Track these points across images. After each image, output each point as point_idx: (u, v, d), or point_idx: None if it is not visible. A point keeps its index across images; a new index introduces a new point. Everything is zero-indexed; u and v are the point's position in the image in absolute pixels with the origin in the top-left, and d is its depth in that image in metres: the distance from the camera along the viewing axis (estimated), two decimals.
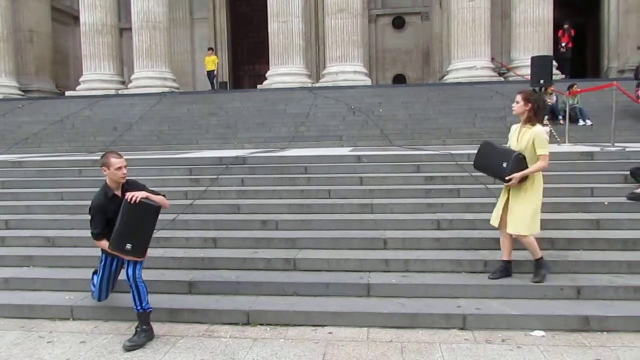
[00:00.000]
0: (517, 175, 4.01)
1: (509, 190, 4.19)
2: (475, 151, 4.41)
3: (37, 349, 3.71)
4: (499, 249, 4.68)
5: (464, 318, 3.81)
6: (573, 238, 4.80)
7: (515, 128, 4.25)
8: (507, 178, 4.04)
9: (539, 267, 4.20)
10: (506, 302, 3.98)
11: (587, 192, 5.76)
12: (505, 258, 4.30)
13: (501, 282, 4.20)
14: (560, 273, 4.32)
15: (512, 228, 4.12)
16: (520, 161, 4.03)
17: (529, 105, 4.07)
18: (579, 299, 4.02)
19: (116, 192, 3.92)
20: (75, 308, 4.27)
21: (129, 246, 3.75)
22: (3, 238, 5.58)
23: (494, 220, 4.30)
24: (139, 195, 3.76)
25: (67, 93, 16.64)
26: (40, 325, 4.14)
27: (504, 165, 4.04)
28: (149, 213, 3.81)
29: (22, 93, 17.21)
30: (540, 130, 4.10)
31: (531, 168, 4.04)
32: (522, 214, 4.09)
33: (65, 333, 3.97)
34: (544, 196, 5.73)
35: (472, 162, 4.40)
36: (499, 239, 4.81)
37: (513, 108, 4.20)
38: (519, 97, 4.14)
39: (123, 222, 3.75)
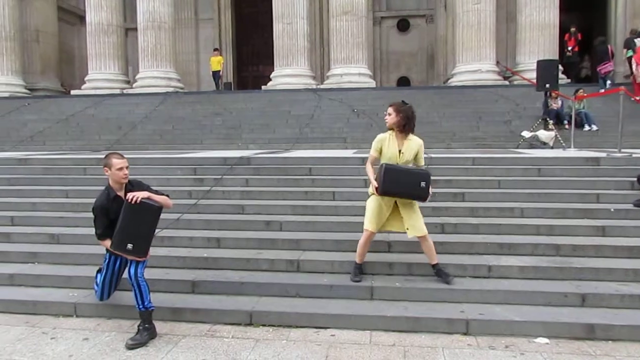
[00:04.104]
0: (431, 190, 4.16)
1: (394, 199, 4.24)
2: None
3: (40, 344, 3.72)
4: (505, 254, 4.70)
5: (467, 323, 3.79)
6: (578, 244, 4.75)
7: (386, 138, 4.25)
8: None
9: (443, 273, 4.31)
10: (509, 308, 3.96)
11: (593, 198, 5.73)
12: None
13: (505, 287, 4.19)
14: (565, 280, 4.31)
15: (418, 230, 4.23)
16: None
17: (400, 115, 4.15)
18: (583, 306, 3.99)
19: (119, 193, 3.92)
20: (79, 305, 4.28)
21: (130, 246, 3.75)
22: (8, 234, 5.60)
23: (376, 226, 4.30)
24: (139, 195, 3.77)
25: (73, 92, 16.72)
26: (44, 321, 4.15)
27: (422, 184, 4.10)
28: (149, 213, 3.82)
29: (28, 91, 17.31)
30: (422, 142, 4.28)
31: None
32: (419, 217, 4.28)
33: (68, 330, 3.98)
34: (549, 201, 5.78)
35: (380, 190, 4.18)
36: (504, 244, 4.83)
37: (386, 119, 4.25)
38: (390, 109, 4.22)
39: (124, 223, 3.76)
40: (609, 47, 13.18)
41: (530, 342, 3.62)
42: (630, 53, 12.53)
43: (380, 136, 4.29)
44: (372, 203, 4.32)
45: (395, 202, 4.26)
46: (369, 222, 4.31)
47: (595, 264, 4.46)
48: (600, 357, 3.39)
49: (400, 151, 4.20)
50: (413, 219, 4.24)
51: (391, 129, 4.24)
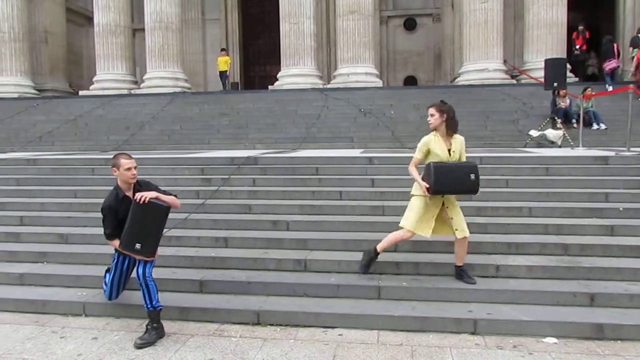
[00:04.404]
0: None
1: (442, 200, 4.22)
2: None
3: (50, 344, 3.75)
4: (513, 253, 4.68)
5: (475, 323, 3.78)
6: (587, 244, 4.73)
7: (432, 140, 4.20)
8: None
9: (466, 275, 4.30)
10: (517, 308, 3.95)
11: (602, 198, 5.69)
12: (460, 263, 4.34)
13: (513, 287, 4.17)
14: (574, 279, 4.28)
15: (465, 231, 4.21)
16: None
17: (444, 115, 4.14)
18: (592, 306, 3.97)
19: (127, 193, 3.95)
20: (88, 304, 4.31)
21: (138, 246, 3.78)
22: (18, 234, 5.65)
23: (421, 228, 4.21)
24: (147, 195, 3.79)
25: (81, 92, 16.81)
26: (53, 320, 4.19)
27: (472, 177, 4.07)
28: (157, 213, 3.84)
29: (36, 92, 17.40)
30: (463, 138, 4.30)
31: None
32: (463, 217, 4.26)
33: (77, 329, 4.01)
34: (557, 200, 5.75)
35: (432, 189, 4.05)
36: (512, 243, 4.80)
37: (429, 122, 4.21)
38: (432, 110, 4.18)
39: (132, 223, 3.79)
40: (614, 45, 13.28)
41: (538, 341, 3.61)
42: (635, 52, 12.54)
43: (425, 139, 4.22)
44: (419, 204, 4.22)
45: (443, 202, 4.23)
46: (411, 223, 4.19)
47: (604, 264, 4.43)
48: (609, 357, 3.38)
49: (450, 150, 4.18)
50: (460, 219, 4.23)
51: (435, 129, 4.20)
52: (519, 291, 4.12)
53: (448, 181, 4.05)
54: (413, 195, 4.29)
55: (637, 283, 4.18)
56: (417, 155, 4.26)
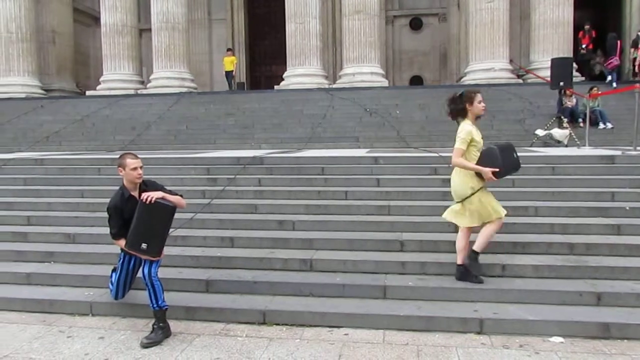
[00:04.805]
0: None
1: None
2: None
3: (57, 343, 3.77)
4: (519, 253, 4.66)
5: (481, 322, 3.77)
6: (593, 243, 4.71)
7: (472, 127, 4.15)
8: None
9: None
10: (523, 307, 3.94)
11: (608, 197, 5.66)
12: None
13: (519, 286, 4.16)
14: (580, 279, 4.26)
15: None
16: None
17: None
18: (599, 305, 3.95)
19: (133, 193, 3.97)
20: (95, 304, 4.34)
21: (144, 246, 3.79)
22: (25, 234, 5.69)
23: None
24: (154, 195, 3.81)
25: (88, 92, 16.92)
26: (60, 320, 4.21)
27: (515, 156, 4.18)
28: (163, 213, 3.85)
29: (43, 92, 17.52)
30: None
31: None
32: None
33: (84, 328, 4.03)
34: (563, 200, 5.72)
35: (502, 172, 4.06)
36: (518, 243, 4.77)
37: (484, 108, 4.19)
38: (481, 97, 4.19)
39: (138, 222, 3.80)
40: (618, 42, 13.32)
41: (544, 341, 3.60)
42: (635, 54, 12.54)
43: (468, 128, 4.12)
44: (485, 195, 4.15)
45: None
46: (498, 210, 4.16)
47: (610, 263, 4.41)
48: (615, 356, 3.36)
49: (482, 137, 4.21)
50: None
51: (470, 118, 4.18)
52: (525, 290, 4.10)
53: (510, 162, 4.11)
54: (472, 194, 4.11)
55: None
56: (462, 146, 4.09)
